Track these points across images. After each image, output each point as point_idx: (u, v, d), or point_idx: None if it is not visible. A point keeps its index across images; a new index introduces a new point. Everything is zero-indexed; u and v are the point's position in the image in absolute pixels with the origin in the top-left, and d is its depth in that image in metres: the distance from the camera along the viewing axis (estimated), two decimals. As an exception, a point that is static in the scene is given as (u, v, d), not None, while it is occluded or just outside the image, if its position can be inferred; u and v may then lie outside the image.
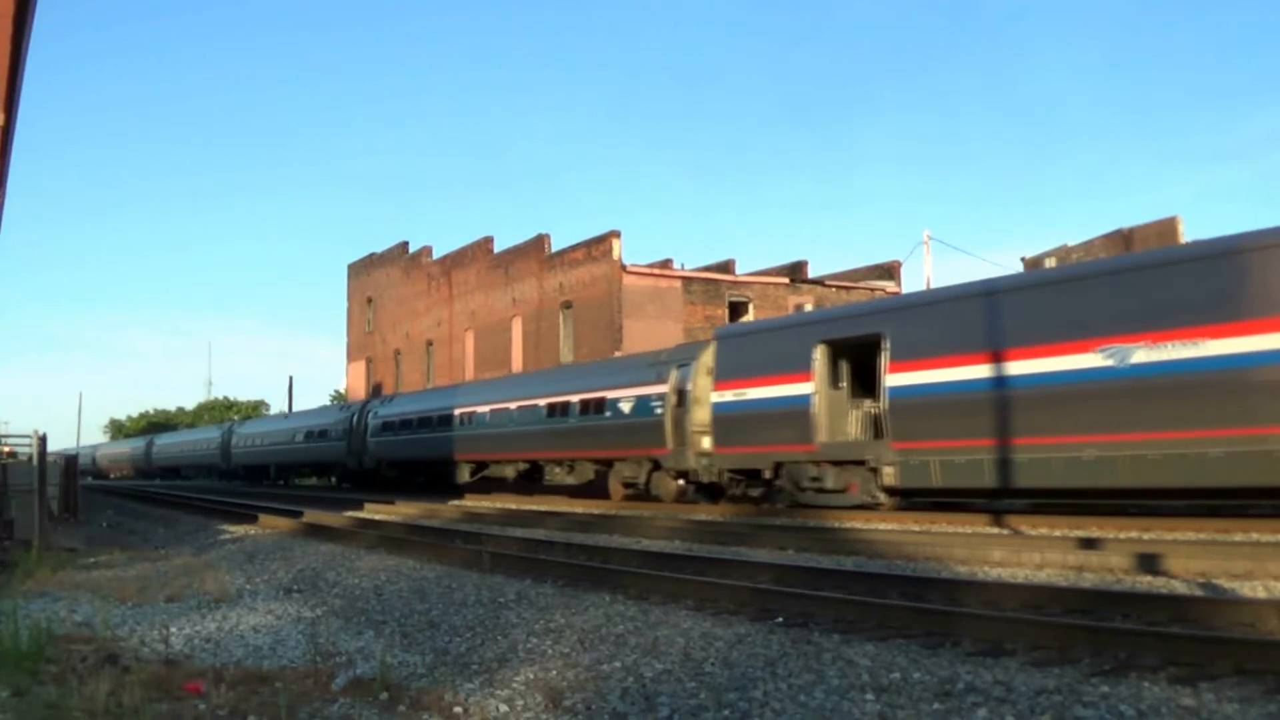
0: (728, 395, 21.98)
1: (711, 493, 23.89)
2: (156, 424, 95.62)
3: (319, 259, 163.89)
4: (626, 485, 25.95)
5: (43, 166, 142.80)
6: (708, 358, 23.45)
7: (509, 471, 31.37)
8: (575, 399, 27.31)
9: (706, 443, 22.64)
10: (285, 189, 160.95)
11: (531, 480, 31.65)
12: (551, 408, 28.48)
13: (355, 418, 42.18)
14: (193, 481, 65.48)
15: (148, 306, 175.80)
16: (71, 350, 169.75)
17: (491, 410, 31.77)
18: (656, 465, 24.44)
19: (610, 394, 26.15)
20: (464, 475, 33.74)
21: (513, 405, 30.47)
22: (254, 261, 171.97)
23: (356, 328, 65.35)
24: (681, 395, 23.68)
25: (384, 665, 7.25)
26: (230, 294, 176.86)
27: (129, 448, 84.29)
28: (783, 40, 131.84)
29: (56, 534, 20.33)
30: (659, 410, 24.16)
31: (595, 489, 28.21)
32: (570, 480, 28.39)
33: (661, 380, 24.43)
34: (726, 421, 21.82)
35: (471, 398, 33.88)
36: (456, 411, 33.88)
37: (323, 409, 53.85)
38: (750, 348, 22.31)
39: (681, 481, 23.98)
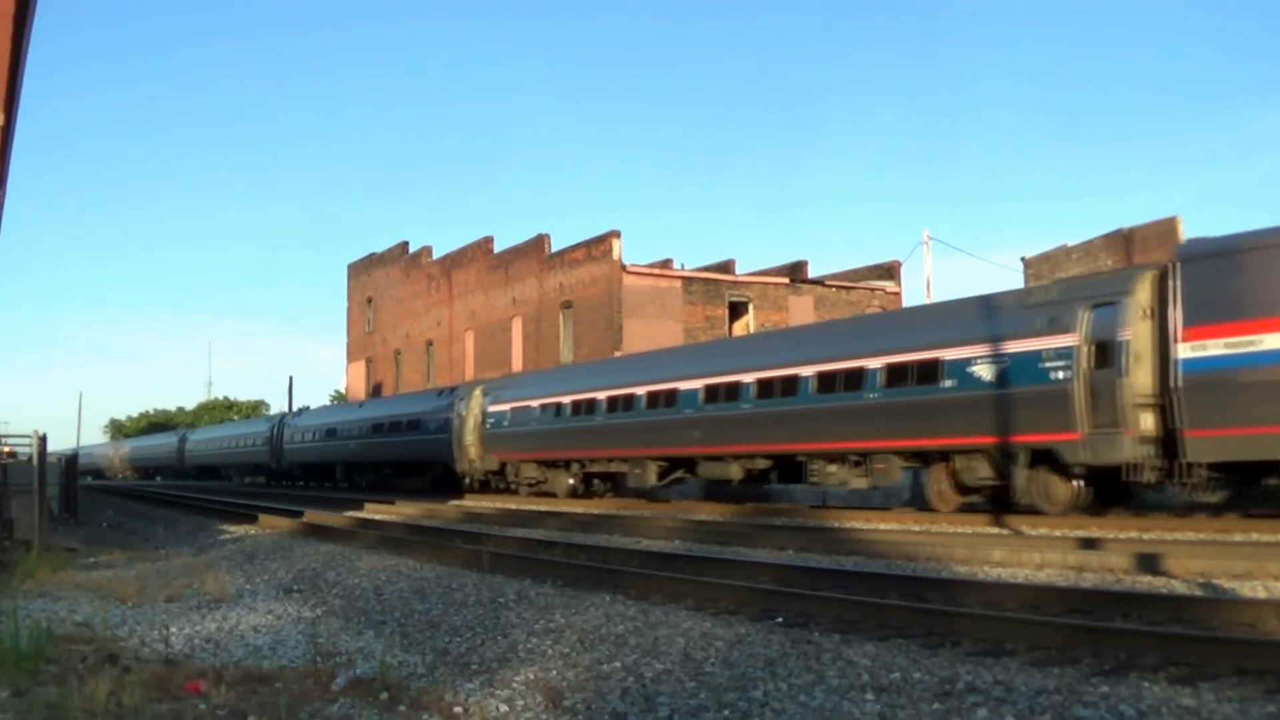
0: (1218, 347, 14.28)
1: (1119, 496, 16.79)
2: (158, 424, 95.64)
3: (319, 259, 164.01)
4: (967, 489, 18.28)
5: (43, 166, 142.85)
6: (1145, 292, 15.79)
7: (733, 471, 22.66)
8: (876, 363, 19.20)
9: (1149, 421, 15.33)
10: (285, 189, 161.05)
11: (765, 481, 23.37)
12: (825, 378, 20.32)
13: (462, 404, 33.82)
14: (232, 483, 58.88)
15: (148, 306, 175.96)
16: (71, 350, 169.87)
17: (706, 386, 23.03)
18: (1042, 456, 16.63)
19: (952, 353, 18.04)
20: (651, 477, 24.93)
21: (747, 377, 21.91)
22: (254, 261, 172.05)
23: (356, 328, 65.37)
24: (1103, 349, 15.85)
25: (384, 665, 7.25)
26: (230, 294, 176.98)
27: (154, 444, 78.98)
28: (783, 40, 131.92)
29: (56, 534, 20.33)
30: (1062, 374, 16.09)
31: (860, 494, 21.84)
32: (858, 483, 19.76)
33: (1060, 328, 16.46)
34: (1221, 387, 14.12)
35: (667, 370, 25.05)
36: (642, 391, 24.98)
37: (410, 395, 45.65)
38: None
39: (1079, 484, 16.39)
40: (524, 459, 30.43)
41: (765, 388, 21.63)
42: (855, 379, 19.48)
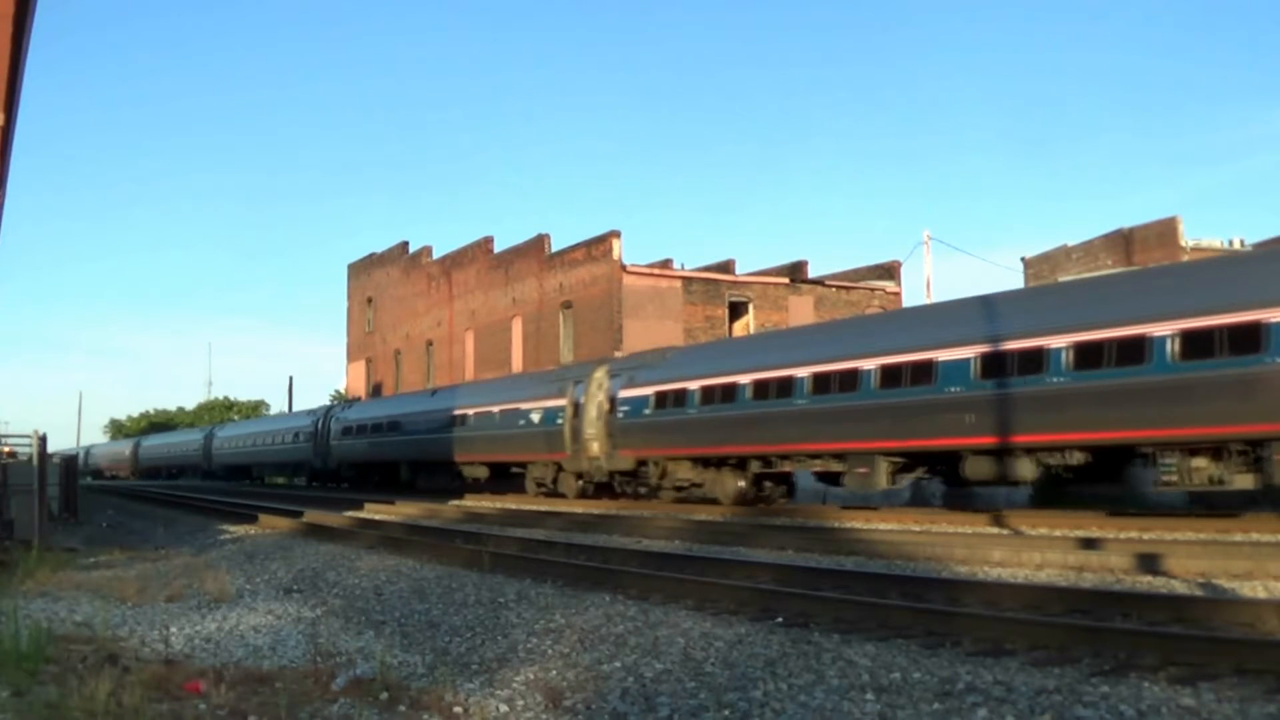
0: None
1: None
2: (157, 424, 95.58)
3: (319, 259, 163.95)
4: None
5: (43, 166, 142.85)
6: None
7: (1023, 469, 16.78)
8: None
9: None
10: (285, 189, 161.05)
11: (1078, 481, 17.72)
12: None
13: (576, 389, 27.52)
14: (264, 484, 52.60)
15: (148, 306, 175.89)
16: (71, 350, 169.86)
17: (984, 354, 17.12)
18: None
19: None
20: (880, 478, 19.06)
21: (1057, 341, 15.95)
22: (254, 261, 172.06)
23: (356, 328, 65.35)
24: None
25: (384, 665, 7.25)
26: (230, 294, 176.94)
27: (176, 442, 70.69)
28: (783, 39, 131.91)
29: (56, 534, 20.33)
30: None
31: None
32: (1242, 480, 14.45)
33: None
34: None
35: (914, 336, 18.94)
36: (872, 365, 18.99)
37: (501, 382, 37.84)
38: None
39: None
40: (673, 455, 23.93)
41: (1093, 354, 15.58)
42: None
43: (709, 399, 22.63)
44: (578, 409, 26.86)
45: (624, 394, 25.44)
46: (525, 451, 29.99)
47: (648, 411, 24.48)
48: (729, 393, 22.17)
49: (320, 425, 44.50)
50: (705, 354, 26.49)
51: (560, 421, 27.52)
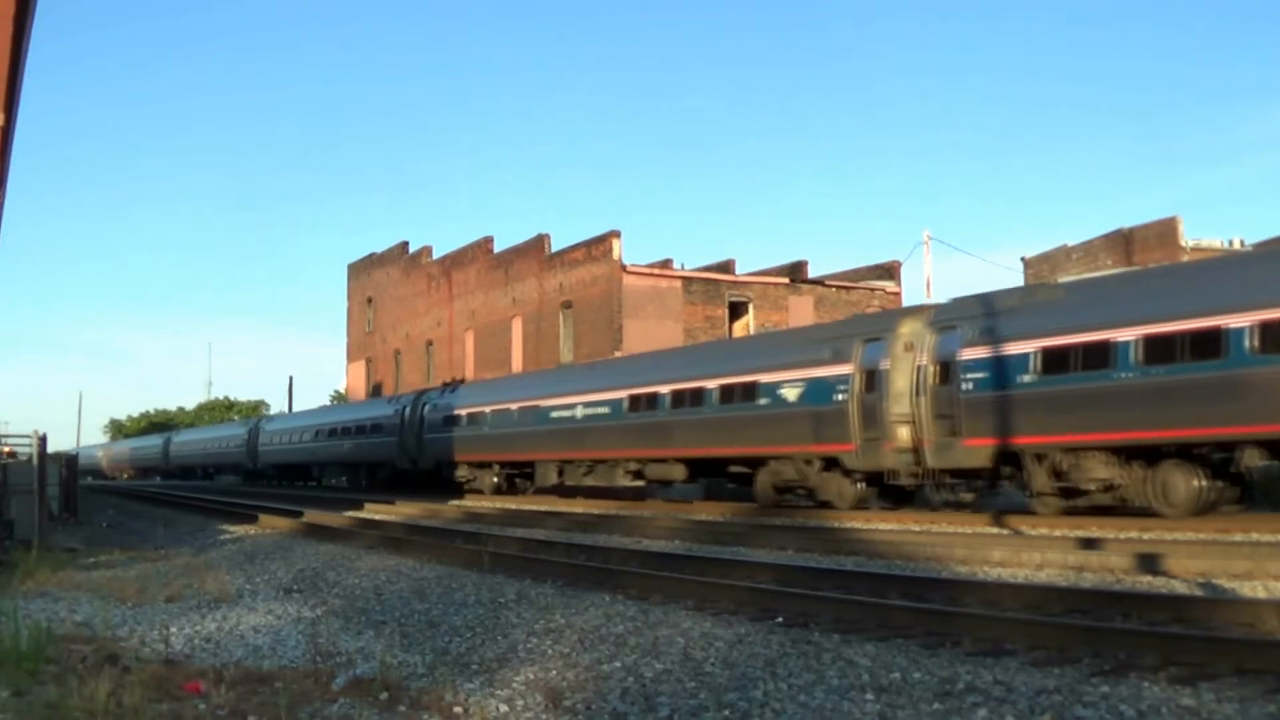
0: None
1: None
2: (158, 424, 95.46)
3: (319, 259, 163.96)
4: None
5: (43, 166, 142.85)
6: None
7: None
8: None
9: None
10: (286, 189, 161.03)
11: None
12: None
13: (872, 349, 19.27)
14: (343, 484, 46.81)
15: (148, 306, 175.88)
16: (71, 350, 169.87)
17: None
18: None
19: None
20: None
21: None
22: (254, 261, 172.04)
23: (356, 328, 65.35)
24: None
25: (384, 665, 7.25)
26: (230, 294, 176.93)
27: (222, 436, 62.00)
28: (783, 39, 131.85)
29: (56, 534, 20.33)
30: None
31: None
32: None
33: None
34: None
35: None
36: None
37: (732, 345, 32.46)
38: None
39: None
40: (1079, 443, 15.70)
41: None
42: None
43: (1155, 356, 14.96)
44: (872, 379, 19.02)
45: (967, 356, 17.39)
46: (769, 442, 21.33)
47: (1025, 379, 16.46)
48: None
49: (409, 414, 36.69)
50: (1139, 284, 17.43)
51: (841, 398, 19.37)
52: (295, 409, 65.26)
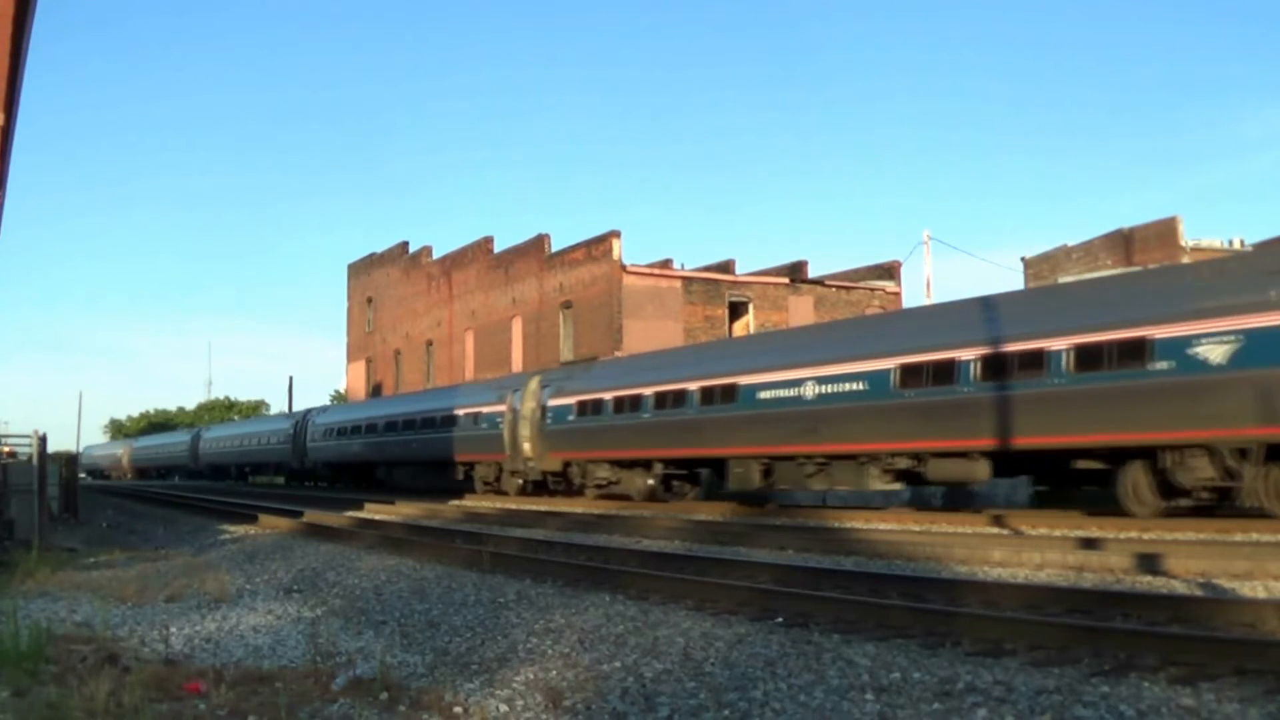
0: None
1: None
2: (157, 424, 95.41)
3: (319, 259, 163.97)
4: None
5: (43, 166, 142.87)
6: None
7: None
8: None
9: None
10: (285, 189, 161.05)
11: None
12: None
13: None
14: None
15: (148, 306, 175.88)
16: (71, 350, 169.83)
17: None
18: None
19: None
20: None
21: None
22: (254, 261, 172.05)
23: (356, 328, 65.35)
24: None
25: (384, 665, 7.25)
26: (230, 294, 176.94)
27: (260, 430, 55.24)
28: (783, 38, 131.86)
29: (56, 534, 20.34)
30: None
31: None
32: None
33: None
34: None
35: None
36: None
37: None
38: None
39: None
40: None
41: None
42: None
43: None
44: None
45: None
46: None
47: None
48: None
49: (522, 402, 29.79)
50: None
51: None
52: (295, 409, 65.03)
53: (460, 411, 33.33)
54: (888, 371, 18.36)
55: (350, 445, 42.02)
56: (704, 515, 20.62)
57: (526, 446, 28.69)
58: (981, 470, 17.08)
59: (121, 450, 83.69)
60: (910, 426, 17.93)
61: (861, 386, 18.96)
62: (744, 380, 21.58)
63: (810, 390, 20.00)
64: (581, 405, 26.90)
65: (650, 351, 30.83)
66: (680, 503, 24.07)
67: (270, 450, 51.06)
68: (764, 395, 20.97)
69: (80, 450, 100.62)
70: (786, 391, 20.52)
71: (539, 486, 29.40)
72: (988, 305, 18.35)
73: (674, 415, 23.46)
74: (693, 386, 23.14)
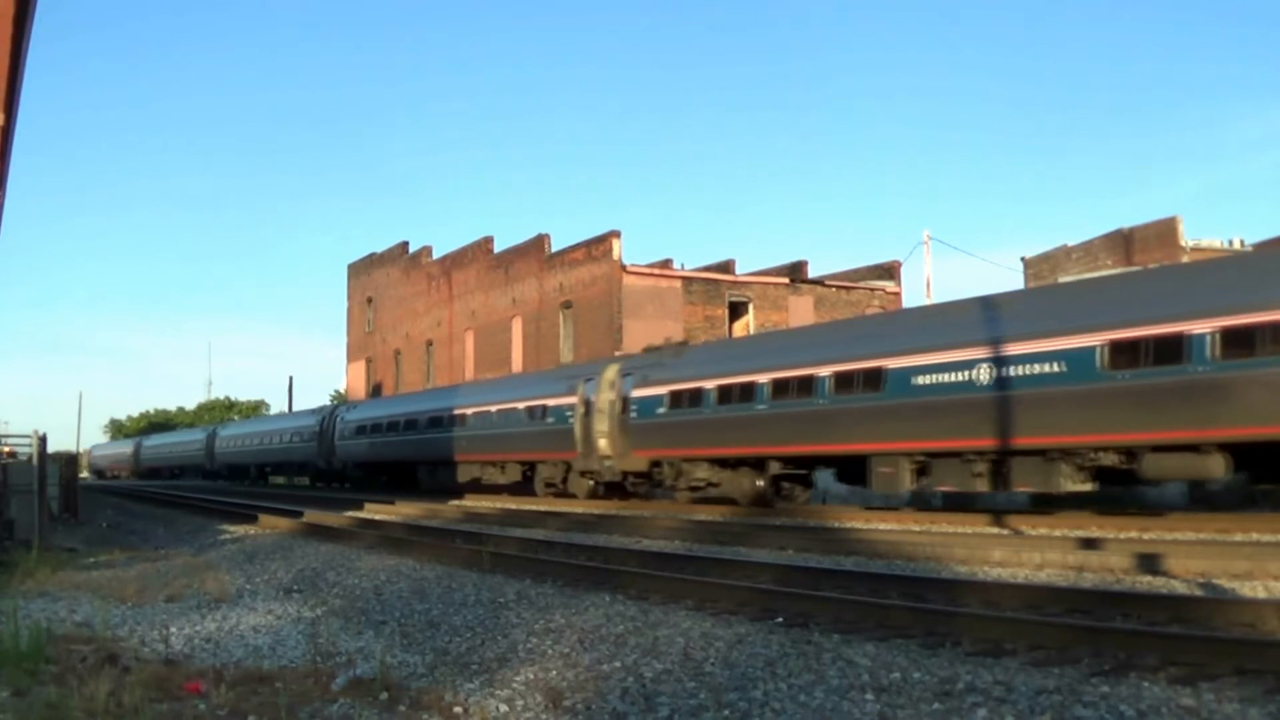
0: None
1: None
2: (157, 424, 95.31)
3: (319, 259, 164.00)
4: None
5: (43, 166, 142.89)
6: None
7: None
8: None
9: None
10: (285, 189, 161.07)
11: None
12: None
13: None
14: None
15: (148, 306, 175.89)
16: (71, 350, 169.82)
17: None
18: None
19: None
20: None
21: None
22: (254, 261, 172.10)
23: (356, 328, 65.35)
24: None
25: (384, 665, 7.25)
26: (230, 294, 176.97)
27: (281, 427, 51.38)
28: (783, 38, 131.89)
29: (56, 534, 20.33)
30: None
31: None
32: None
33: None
34: None
35: None
36: None
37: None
38: None
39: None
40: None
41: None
42: None
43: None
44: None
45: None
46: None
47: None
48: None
49: (597, 394, 26.39)
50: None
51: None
52: (295, 409, 64.85)
53: (520, 405, 29.75)
54: (1093, 349, 15.51)
55: (386, 443, 38.45)
56: (704, 515, 20.61)
57: (602, 443, 25.44)
58: (1216, 466, 14.49)
59: (132, 449, 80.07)
60: (1122, 415, 15.07)
61: (1057, 368, 15.92)
62: (893, 363, 18.19)
63: (985, 374, 16.74)
64: (675, 396, 23.45)
65: (763, 332, 27.52)
66: (791, 505, 22.04)
67: (293, 449, 47.92)
68: (921, 380, 17.64)
69: (89, 449, 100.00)
70: (953, 375, 17.23)
71: (612, 489, 26.35)
72: (1226, 266, 16.50)
73: (798, 406, 19.95)
74: (824, 372, 19.61)
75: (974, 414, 16.69)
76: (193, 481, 61.16)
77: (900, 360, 18.09)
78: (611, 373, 26.21)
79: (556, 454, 27.74)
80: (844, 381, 19.19)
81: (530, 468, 29.77)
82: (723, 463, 22.45)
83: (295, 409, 64.68)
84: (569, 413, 26.95)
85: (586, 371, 27.99)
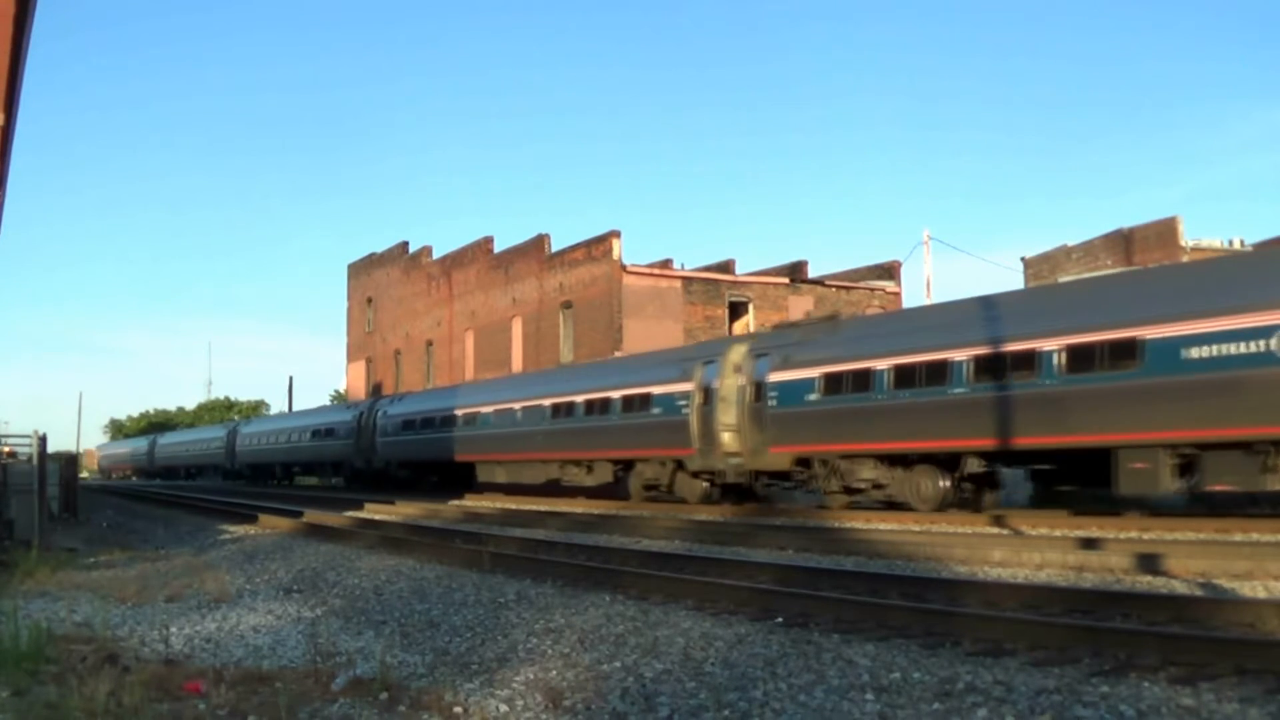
0: None
1: None
2: (157, 424, 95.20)
3: (319, 259, 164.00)
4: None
5: (43, 166, 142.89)
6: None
7: None
8: None
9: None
10: (285, 189, 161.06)
11: None
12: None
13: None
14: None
15: (148, 306, 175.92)
16: (71, 350, 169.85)
17: None
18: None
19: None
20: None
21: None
22: (254, 261, 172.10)
23: (356, 328, 65.34)
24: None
25: (384, 665, 7.25)
26: (230, 294, 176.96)
27: (310, 424, 47.95)
28: (783, 38, 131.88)
29: (56, 534, 20.33)
30: None
31: None
32: None
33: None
34: None
35: None
36: None
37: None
38: None
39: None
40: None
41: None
42: None
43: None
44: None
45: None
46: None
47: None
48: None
49: (715, 382, 22.79)
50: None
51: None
52: (295, 409, 64.71)
53: (615, 394, 25.80)
54: None
55: (439, 440, 34.43)
56: (704, 515, 20.60)
57: (727, 438, 21.66)
58: None
59: (145, 448, 76.02)
60: None
61: None
62: (1153, 333, 14.93)
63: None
64: (832, 379, 19.54)
65: (955, 300, 20.47)
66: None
67: (326, 448, 44.07)
68: (1195, 354, 14.38)
69: (98, 449, 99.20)
70: (1242, 346, 13.94)
71: (729, 492, 23.01)
72: None
73: (1014, 389, 16.53)
74: (1049, 345, 16.11)
75: (1273, 393, 13.64)
76: (211, 482, 58.49)
77: (1165, 329, 14.79)
78: (738, 353, 22.40)
79: (662, 450, 23.91)
80: (1081, 356, 15.70)
81: (624, 467, 25.80)
82: (897, 460, 18.72)
83: (296, 408, 64.66)
84: (682, 402, 23.14)
85: (704, 353, 24.18)
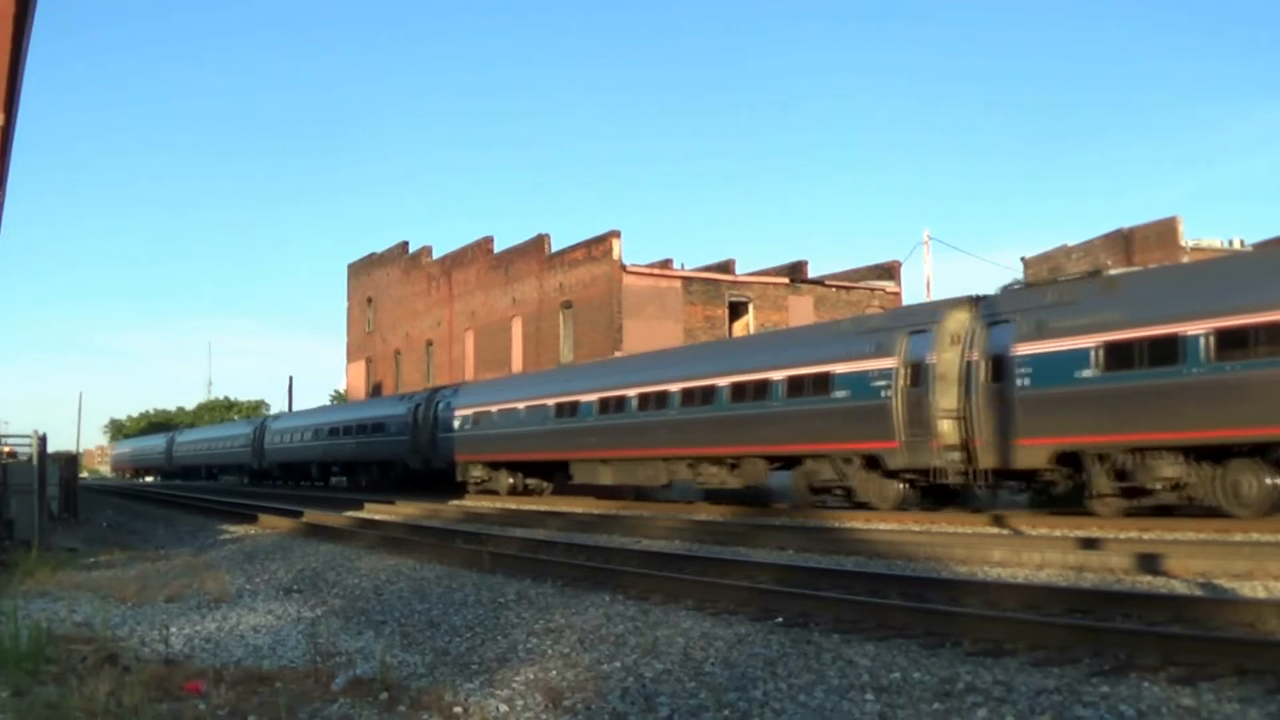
0: None
1: None
2: (157, 424, 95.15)
3: (319, 259, 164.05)
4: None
5: (43, 166, 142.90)
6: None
7: None
8: None
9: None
10: (285, 189, 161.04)
11: None
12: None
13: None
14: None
15: (148, 306, 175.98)
16: (71, 350, 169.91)
17: None
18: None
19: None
20: None
21: None
22: (254, 261, 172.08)
23: (356, 328, 65.33)
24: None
25: (384, 665, 7.25)
26: (230, 294, 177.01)
27: (348, 418, 44.61)
28: (784, 39, 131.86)
29: (56, 534, 20.33)
30: None
31: None
32: None
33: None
34: None
35: None
36: None
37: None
38: None
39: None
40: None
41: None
42: None
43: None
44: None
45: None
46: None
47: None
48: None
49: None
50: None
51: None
52: (296, 408, 64.62)
53: (778, 374, 20.90)
54: None
55: (526, 436, 29.49)
56: (704, 515, 20.60)
57: (946, 427, 17.38)
58: None
59: (163, 446, 72.22)
60: None
61: None
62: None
63: None
64: (1115, 350, 15.34)
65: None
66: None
67: (374, 445, 39.41)
68: None
69: (111, 447, 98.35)
70: None
71: (928, 494, 19.13)
72: None
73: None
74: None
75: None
76: (228, 482, 55.68)
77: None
78: (957, 320, 18.02)
79: (845, 444, 19.51)
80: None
81: (788, 464, 21.43)
82: (1206, 452, 14.74)
83: (296, 409, 64.59)
84: (881, 383, 18.66)
85: (906, 320, 19.48)
